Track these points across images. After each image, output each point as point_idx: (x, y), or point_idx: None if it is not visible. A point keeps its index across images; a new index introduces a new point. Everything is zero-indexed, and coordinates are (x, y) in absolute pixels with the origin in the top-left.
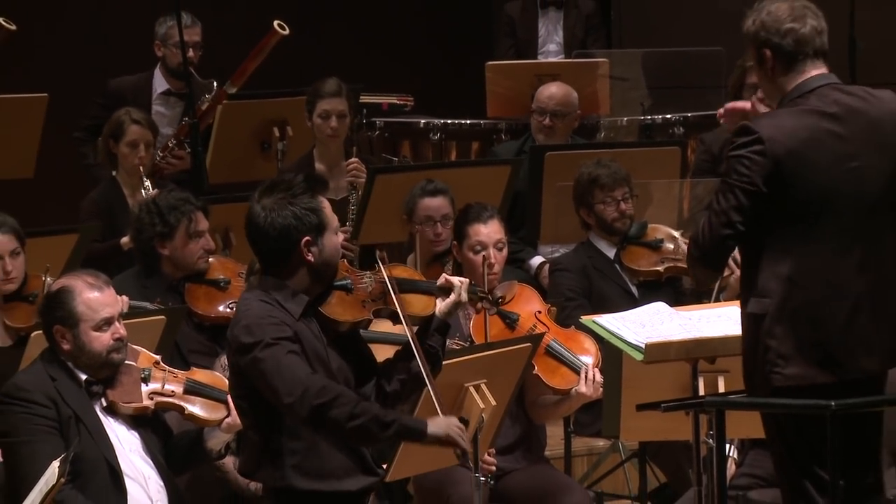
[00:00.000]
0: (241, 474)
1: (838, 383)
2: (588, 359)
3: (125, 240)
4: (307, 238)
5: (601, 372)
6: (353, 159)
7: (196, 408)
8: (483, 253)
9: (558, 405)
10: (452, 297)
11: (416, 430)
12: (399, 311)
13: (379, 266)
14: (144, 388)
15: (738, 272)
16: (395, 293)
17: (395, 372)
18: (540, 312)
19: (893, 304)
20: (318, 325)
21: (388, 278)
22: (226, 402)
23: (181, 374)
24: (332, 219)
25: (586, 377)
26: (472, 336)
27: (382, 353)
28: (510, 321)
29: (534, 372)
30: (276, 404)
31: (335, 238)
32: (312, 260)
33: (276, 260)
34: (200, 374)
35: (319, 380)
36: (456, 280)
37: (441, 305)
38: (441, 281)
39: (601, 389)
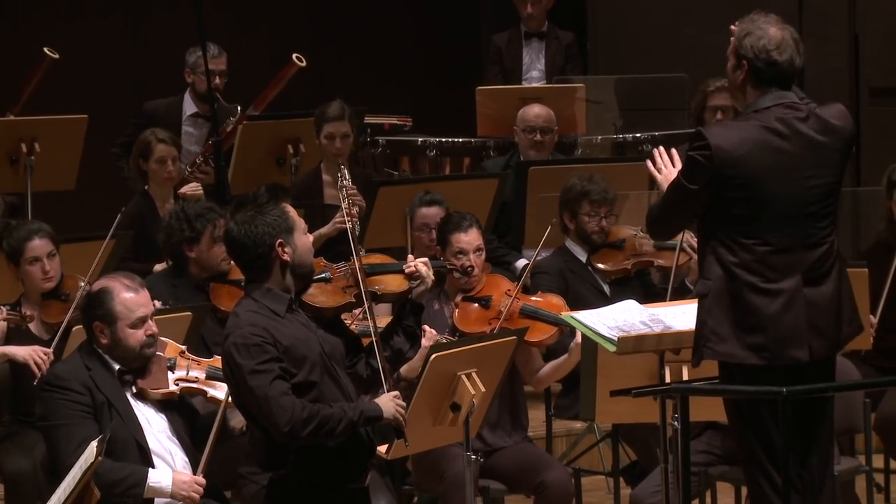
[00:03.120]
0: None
1: (771, 367)
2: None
3: (157, 268)
4: (280, 240)
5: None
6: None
7: (217, 391)
8: (464, 259)
9: (561, 362)
10: (421, 284)
11: (376, 416)
12: (363, 288)
13: (353, 257)
14: (171, 376)
15: (696, 257)
16: (363, 278)
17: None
18: (510, 290)
19: (829, 301)
20: (305, 315)
21: (358, 266)
22: None
23: (204, 361)
24: (299, 221)
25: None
26: (458, 326)
27: None
28: (485, 303)
29: None
30: (270, 430)
31: (305, 238)
32: (289, 259)
33: (257, 266)
34: (221, 362)
35: (301, 410)
36: (421, 266)
37: (414, 291)
38: (408, 270)
39: None
